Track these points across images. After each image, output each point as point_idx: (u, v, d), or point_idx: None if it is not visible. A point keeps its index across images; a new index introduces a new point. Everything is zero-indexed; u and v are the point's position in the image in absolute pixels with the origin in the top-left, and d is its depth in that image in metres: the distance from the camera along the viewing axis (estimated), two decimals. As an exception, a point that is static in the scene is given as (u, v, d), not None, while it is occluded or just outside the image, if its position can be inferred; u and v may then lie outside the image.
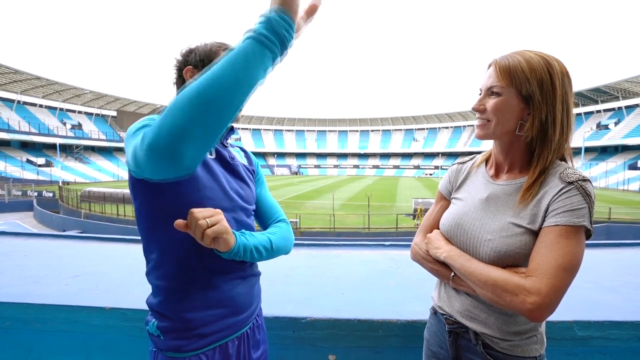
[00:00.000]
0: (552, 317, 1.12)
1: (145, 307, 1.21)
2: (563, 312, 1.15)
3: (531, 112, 0.78)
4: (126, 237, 2.63)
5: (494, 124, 0.81)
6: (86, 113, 58.12)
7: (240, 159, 0.98)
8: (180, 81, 0.90)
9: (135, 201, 0.81)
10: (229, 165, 0.89)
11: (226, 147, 0.93)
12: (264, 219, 1.00)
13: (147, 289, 1.27)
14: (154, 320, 0.82)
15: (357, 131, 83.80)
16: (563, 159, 0.81)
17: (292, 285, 1.56)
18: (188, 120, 0.53)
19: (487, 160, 0.94)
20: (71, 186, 31.51)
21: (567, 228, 0.71)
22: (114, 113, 61.01)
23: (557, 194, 0.73)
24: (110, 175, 49.29)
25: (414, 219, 19.16)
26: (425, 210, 18.91)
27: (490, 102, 0.82)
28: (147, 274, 0.84)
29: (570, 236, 0.70)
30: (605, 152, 47.41)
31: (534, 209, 0.76)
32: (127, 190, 26.84)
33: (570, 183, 0.73)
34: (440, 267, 0.89)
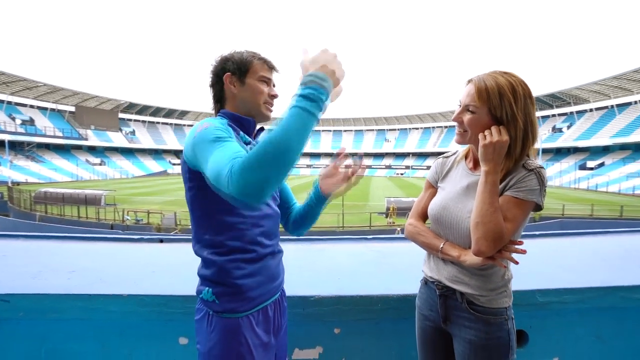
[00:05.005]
0: (518, 287, 1.34)
1: (161, 293, 1.30)
2: (527, 282, 1.38)
3: None
4: (97, 236, 2.58)
5: (470, 135, 1.02)
6: (39, 107, 53.68)
7: None
8: (219, 86, 1.04)
9: (190, 191, 0.94)
10: None
11: None
12: (285, 204, 1.19)
13: (152, 280, 1.38)
14: (207, 288, 0.95)
15: (330, 131, 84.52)
16: (527, 155, 1.01)
17: (289, 275, 1.67)
18: (271, 174, 0.71)
19: (467, 155, 1.14)
20: (23, 187, 29.10)
21: (520, 201, 0.95)
22: (72, 108, 56.87)
23: (521, 177, 0.96)
24: (68, 175, 46.01)
25: (386, 217, 19.78)
26: (397, 209, 19.64)
27: (467, 117, 1.01)
28: (198, 250, 0.98)
29: (521, 205, 0.95)
30: (559, 153, 51.16)
31: (500, 191, 0.98)
32: (89, 191, 25.22)
33: (530, 170, 0.96)
34: (431, 241, 1.09)
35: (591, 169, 42.52)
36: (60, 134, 52.08)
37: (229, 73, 1.01)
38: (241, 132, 1.02)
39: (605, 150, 44.88)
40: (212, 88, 1.05)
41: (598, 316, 1.42)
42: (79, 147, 55.55)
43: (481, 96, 0.96)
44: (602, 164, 42.64)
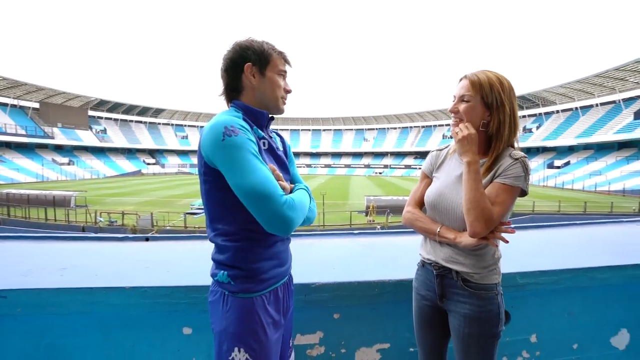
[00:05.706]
0: (502, 270, 1.47)
1: (163, 284, 1.31)
2: (510, 266, 1.51)
3: (492, 115, 1.11)
4: (71, 235, 2.51)
5: None
6: (-2, 103, 50.34)
7: (277, 144, 1.16)
8: (236, 75, 1.04)
9: (206, 184, 0.98)
10: (276, 156, 1.09)
11: (271, 137, 1.11)
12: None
13: (149, 275, 1.40)
14: (222, 271, 1.00)
15: (309, 130, 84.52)
16: (512, 146, 1.16)
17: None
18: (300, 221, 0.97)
19: None
20: (-18, 188, 27.20)
21: (508, 187, 1.07)
22: (36, 105, 53.58)
23: (508, 166, 1.09)
24: (32, 175, 43.35)
25: (366, 215, 20.09)
26: (377, 207, 20.01)
27: (462, 106, 1.14)
28: (213, 238, 1.02)
29: (509, 191, 1.07)
30: (529, 152, 53.66)
31: (490, 179, 1.11)
32: (57, 192, 23.86)
33: (516, 159, 1.09)
34: (428, 226, 1.19)
35: (558, 167, 45.06)
36: (23, 132, 48.97)
37: (249, 63, 1.02)
38: (255, 127, 1.04)
39: (571, 150, 47.68)
40: (226, 74, 1.05)
41: (569, 295, 1.58)
42: (44, 146, 52.49)
43: (474, 86, 1.11)
44: (567, 163, 45.27)
